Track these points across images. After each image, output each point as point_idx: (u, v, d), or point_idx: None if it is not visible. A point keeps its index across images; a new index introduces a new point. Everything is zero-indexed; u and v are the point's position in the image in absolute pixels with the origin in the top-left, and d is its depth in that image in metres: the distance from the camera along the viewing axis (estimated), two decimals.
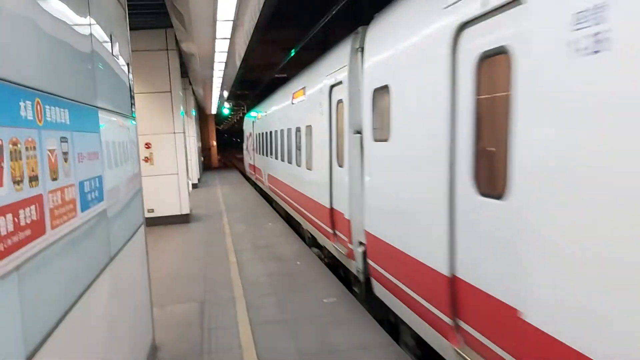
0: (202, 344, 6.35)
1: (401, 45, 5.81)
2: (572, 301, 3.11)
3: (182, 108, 15.46)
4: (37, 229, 2.53)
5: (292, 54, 18.23)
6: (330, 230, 9.31)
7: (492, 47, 3.98)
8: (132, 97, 5.87)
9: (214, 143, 50.03)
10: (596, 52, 2.87)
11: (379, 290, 6.77)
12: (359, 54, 7.52)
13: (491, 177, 4.13)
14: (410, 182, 5.58)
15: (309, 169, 11.10)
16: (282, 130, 15.18)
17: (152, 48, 14.12)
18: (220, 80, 20.82)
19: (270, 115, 18.13)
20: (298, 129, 12.41)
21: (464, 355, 4.42)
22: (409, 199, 5.63)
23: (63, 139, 3.00)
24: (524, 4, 3.50)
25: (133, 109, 5.90)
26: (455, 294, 4.57)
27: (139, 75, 13.75)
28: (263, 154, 20.51)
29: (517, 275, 3.60)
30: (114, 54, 4.89)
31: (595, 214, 2.91)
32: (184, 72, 19.39)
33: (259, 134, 21.69)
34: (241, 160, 39.64)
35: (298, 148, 12.47)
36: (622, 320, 2.76)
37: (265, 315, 7.25)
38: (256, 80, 30.18)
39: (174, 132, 14.84)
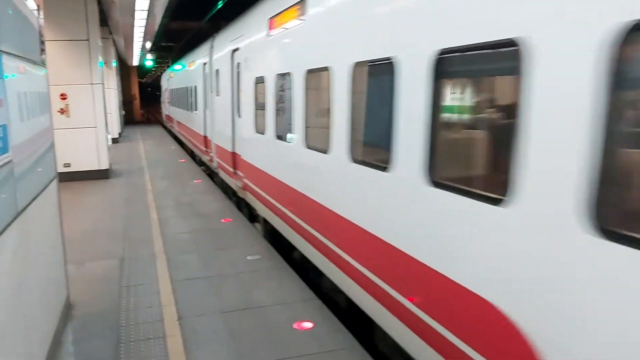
0: (120, 301, 6.22)
1: (221, 51, 12.47)
2: (247, 149, 10.09)
3: (100, 58, 14.68)
4: None
5: (219, 6, 17.66)
6: (203, 148, 16.01)
7: (239, 62, 10.29)
8: (42, 43, 5.49)
9: (137, 96, 48.23)
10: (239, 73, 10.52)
11: (221, 173, 13.48)
12: (212, 49, 13.96)
13: (239, 112, 10.37)
14: (224, 115, 11.97)
15: (195, 111, 17.94)
16: (182, 88, 22.22)
17: None
18: (143, 29, 19.90)
19: (176, 76, 25.91)
20: (190, 88, 19.03)
21: (236, 183, 11.05)
22: (223, 123, 12.11)
23: None
24: (239, 49, 10.28)
25: (43, 56, 5.52)
26: (235, 159, 11.03)
27: (54, 22, 12.92)
28: (172, 105, 28.08)
29: (244, 145, 10.25)
30: None
31: (248, 120, 9.66)
32: (104, 20, 18.36)
33: (171, 89, 28.93)
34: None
35: (190, 100, 19.32)
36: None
37: (187, 273, 7.16)
38: (182, 32, 29.06)
39: (92, 83, 14.13)
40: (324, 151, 5.77)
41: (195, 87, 17.53)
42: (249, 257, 7.76)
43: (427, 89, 3.80)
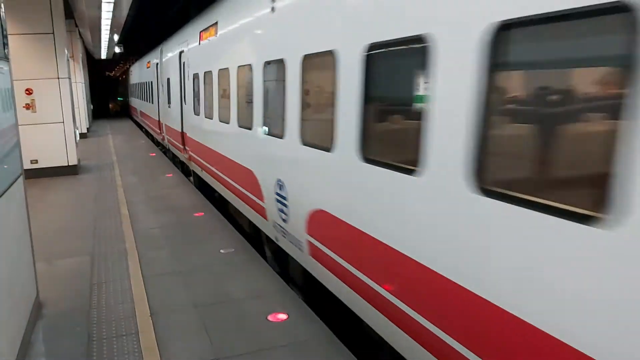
0: (91, 298, 6.14)
1: (170, 54, 16.34)
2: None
3: (67, 52, 14.38)
4: None
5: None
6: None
7: (184, 61, 13.66)
8: (4, 37, 5.35)
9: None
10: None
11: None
12: (161, 53, 19.75)
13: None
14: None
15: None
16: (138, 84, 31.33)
17: None
18: (109, 22, 19.54)
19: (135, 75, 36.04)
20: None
21: (186, 158, 14.32)
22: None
23: None
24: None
25: (6, 50, 5.39)
26: (184, 138, 14.21)
27: (16, 15, 12.62)
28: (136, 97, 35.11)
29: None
30: None
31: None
32: (69, 13, 17.98)
33: (132, 84, 37.60)
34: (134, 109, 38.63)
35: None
36: None
37: (158, 268, 7.11)
38: (152, 25, 28.66)
39: (58, 78, 13.83)
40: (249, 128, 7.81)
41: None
42: (222, 251, 7.73)
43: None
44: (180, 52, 13.70)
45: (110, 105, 54.90)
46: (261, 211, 7.33)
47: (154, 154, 19.04)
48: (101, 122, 37.59)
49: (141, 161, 17.31)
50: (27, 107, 13.40)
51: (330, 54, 4.77)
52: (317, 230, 5.44)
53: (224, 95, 9.06)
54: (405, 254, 3.84)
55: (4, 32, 5.39)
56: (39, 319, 5.65)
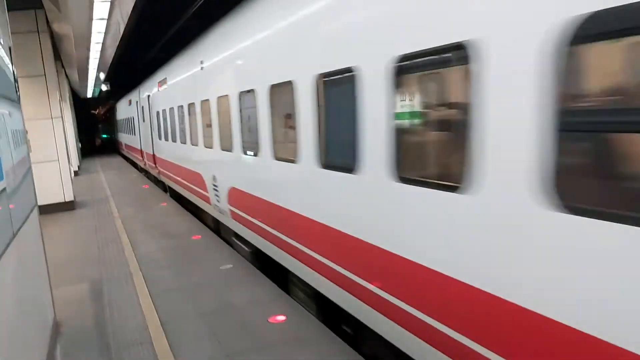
0: (104, 315, 6.64)
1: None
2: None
3: (58, 92, 14.95)
4: None
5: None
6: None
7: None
8: (15, 81, 5.93)
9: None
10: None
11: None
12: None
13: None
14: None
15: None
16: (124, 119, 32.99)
17: (21, 30, 13.47)
18: (97, 61, 20.19)
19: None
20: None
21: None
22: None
23: None
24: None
25: (18, 94, 5.96)
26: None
27: None
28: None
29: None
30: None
31: None
32: (57, 54, 18.61)
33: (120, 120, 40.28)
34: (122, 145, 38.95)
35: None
36: None
37: (164, 285, 7.62)
38: (137, 62, 29.36)
39: (52, 117, 14.36)
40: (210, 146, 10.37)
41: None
42: (221, 267, 8.26)
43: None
44: None
45: (96, 142, 56.88)
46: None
47: (147, 186, 19.52)
48: (89, 159, 38.02)
49: (135, 193, 17.79)
50: None
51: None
52: None
53: None
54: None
55: (15, 77, 5.97)
56: (59, 337, 6.12)
